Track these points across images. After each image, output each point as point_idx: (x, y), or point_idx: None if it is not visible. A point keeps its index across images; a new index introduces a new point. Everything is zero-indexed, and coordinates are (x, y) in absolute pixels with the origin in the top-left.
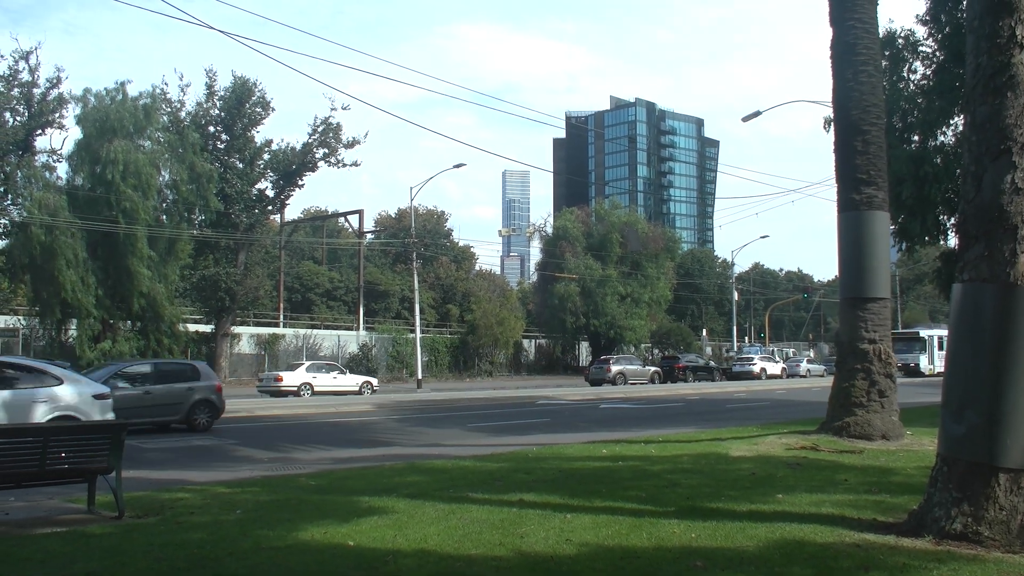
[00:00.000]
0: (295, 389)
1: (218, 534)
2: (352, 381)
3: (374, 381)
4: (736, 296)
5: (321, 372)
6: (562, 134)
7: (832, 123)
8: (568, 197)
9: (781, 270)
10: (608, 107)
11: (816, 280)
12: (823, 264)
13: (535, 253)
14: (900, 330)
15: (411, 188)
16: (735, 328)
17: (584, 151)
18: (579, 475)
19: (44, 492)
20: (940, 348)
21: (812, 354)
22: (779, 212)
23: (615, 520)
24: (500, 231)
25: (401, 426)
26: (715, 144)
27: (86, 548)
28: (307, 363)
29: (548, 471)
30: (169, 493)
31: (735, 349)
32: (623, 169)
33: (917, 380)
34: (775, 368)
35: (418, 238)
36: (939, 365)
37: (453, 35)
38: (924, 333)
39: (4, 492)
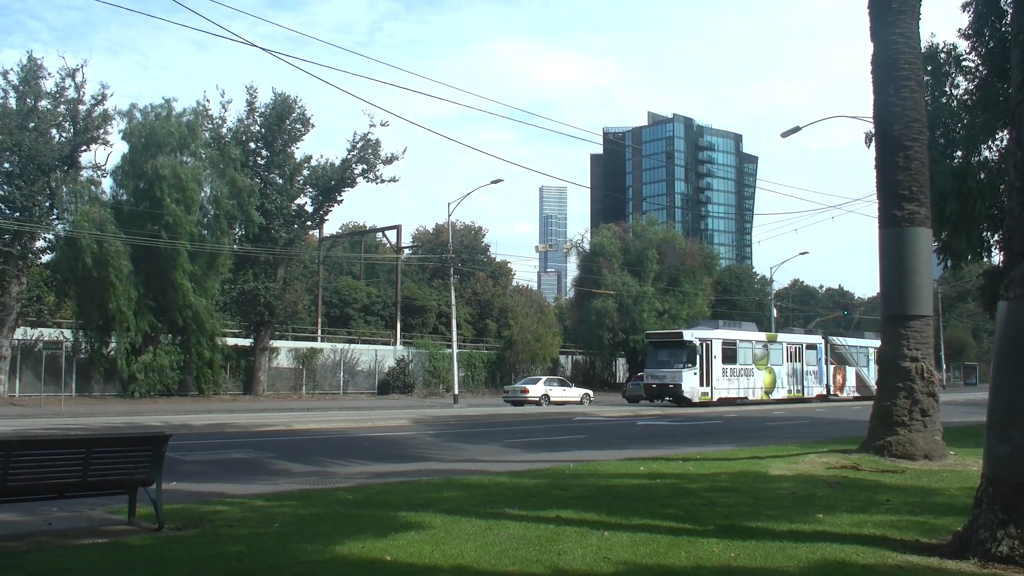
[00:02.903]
0: (537, 399)
1: (256, 547)
2: (576, 393)
3: (591, 393)
4: (775, 313)
5: (554, 385)
6: (599, 150)
7: (873, 138)
8: (605, 213)
9: (821, 287)
10: (646, 123)
11: (857, 297)
12: (864, 281)
13: (572, 269)
14: (656, 331)
15: (449, 203)
16: None
17: (621, 167)
18: (616, 492)
19: (86, 503)
20: (728, 360)
21: None
22: (819, 228)
23: (653, 538)
24: (537, 247)
25: (438, 441)
26: (754, 160)
27: (126, 559)
28: (544, 377)
29: (585, 488)
30: (208, 506)
31: None
32: (660, 185)
33: (676, 412)
34: None
35: (455, 253)
36: (722, 386)
37: (488, 52)
38: (693, 336)
39: (47, 502)
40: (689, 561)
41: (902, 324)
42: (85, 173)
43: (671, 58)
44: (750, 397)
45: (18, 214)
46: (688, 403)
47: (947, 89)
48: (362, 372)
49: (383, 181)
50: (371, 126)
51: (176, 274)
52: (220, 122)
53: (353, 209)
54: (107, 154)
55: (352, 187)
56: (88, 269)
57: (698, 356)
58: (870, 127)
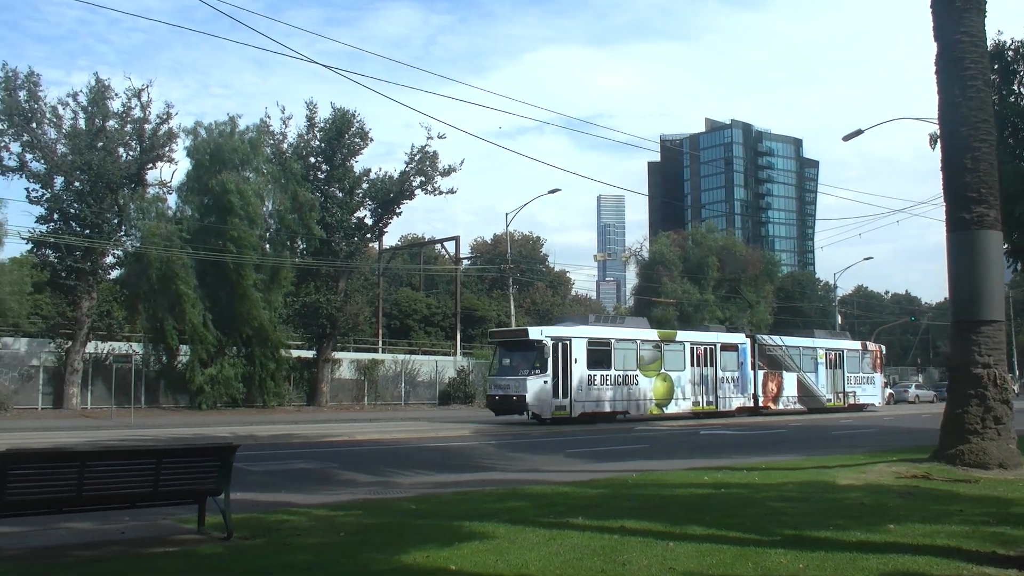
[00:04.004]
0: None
1: (323, 556)
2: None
3: None
4: (839, 320)
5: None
6: (657, 158)
7: (938, 140)
8: (664, 221)
9: (886, 292)
10: (703, 129)
11: (924, 302)
12: (931, 286)
13: (631, 277)
14: (501, 328)
15: (507, 214)
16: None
17: (679, 174)
18: (680, 502)
19: (156, 512)
20: (597, 364)
21: (920, 379)
22: (883, 233)
23: (719, 549)
24: (595, 256)
25: (499, 451)
26: (814, 164)
27: (197, 568)
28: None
29: (649, 498)
30: (274, 515)
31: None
32: (719, 192)
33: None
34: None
35: (514, 264)
36: (586, 397)
37: (543, 63)
38: (543, 334)
39: (120, 511)
40: (756, 572)
41: (973, 330)
42: (152, 190)
43: (728, 65)
44: (633, 411)
45: (88, 231)
46: (538, 420)
47: (1016, 88)
48: (423, 383)
49: (441, 193)
50: (428, 138)
51: (241, 287)
52: (281, 138)
53: (412, 221)
54: (172, 171)
55: (411, 199)
56: (156, 284)
57: (549, 360)
58: (935, 128)
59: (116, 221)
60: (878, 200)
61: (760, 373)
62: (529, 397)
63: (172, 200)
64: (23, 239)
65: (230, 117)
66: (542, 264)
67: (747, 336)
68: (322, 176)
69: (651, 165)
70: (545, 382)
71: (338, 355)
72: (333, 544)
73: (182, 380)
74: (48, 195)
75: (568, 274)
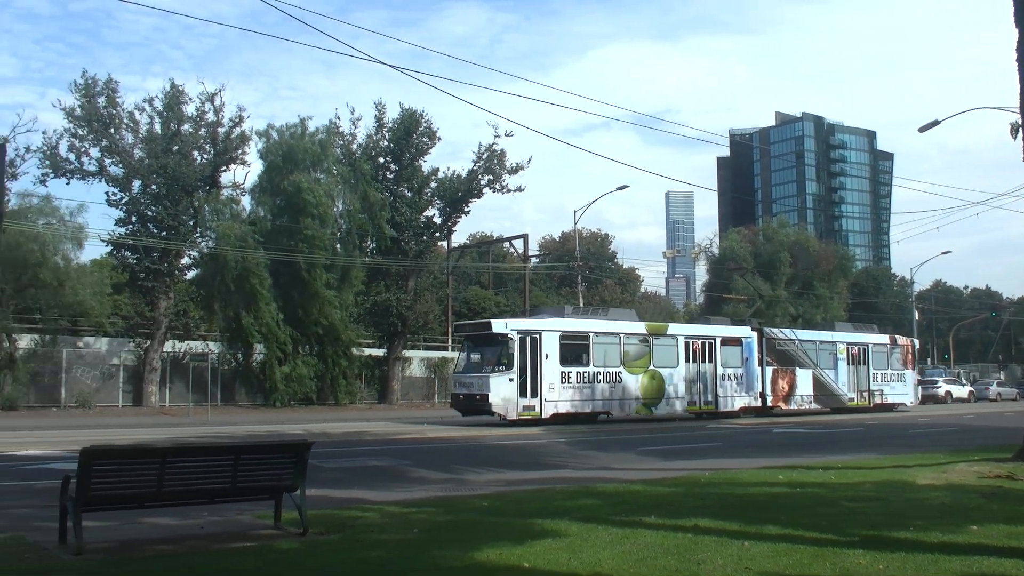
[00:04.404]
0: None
1: (397, 553)
2: None
3: None
4: (917, 316)
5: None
6: (726, 152)
7: (1019, 130)
8: (734, 216)
9: (966, 287)
10: (773, 123)
11: (1005, 297)
12: (1013, 280)
13: (701, 274)
14: (466, 322)
15: (575, 211)
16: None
17: (749, 169)
18: (755, 501)
19: (234, 508)
20: (572, 360)
21: (1002, 376)
22: (962, 226)
23: (795, 549)
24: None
25: (570, 449)
26: (889, 157)
27: (276, 563)
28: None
29: (722, 497)
30: (349, 512)
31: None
32: (791, 186)
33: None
34: (961, 391)
35: (582, 261)
36: (559, 397)
37: (608, 59)
38: (508, 327)
39: (198, 507)
40: (834, 572)
41: None
42: (225, 192)
43: (797, 57)
44: (616, 412)
45: (165, 233)
46: (504, 421)
47: None
48: None
49: (509, 191)
50: (496, 137)
51: (313, 287)
52: (350, 138)
53: (480, 219)
54: (245, 173)
55: (479, 198)
56: (231, 284)
57: (516, 355)
58: (1015, 117)
59: (191, 223)
60: (956, 192)
61: (769, 370)
62: (492, 396)
63: (245, 201)
64: (103, 241)
65: (301, 119)
66: (611, 261)
67: (753, 329)
68: (391, 176)
69: (720, 160)
70: (511, 380)
71: (408, 353)
72: (407, 541)
73: (257, 378)
74: (126, 198)
75: (637, 271)
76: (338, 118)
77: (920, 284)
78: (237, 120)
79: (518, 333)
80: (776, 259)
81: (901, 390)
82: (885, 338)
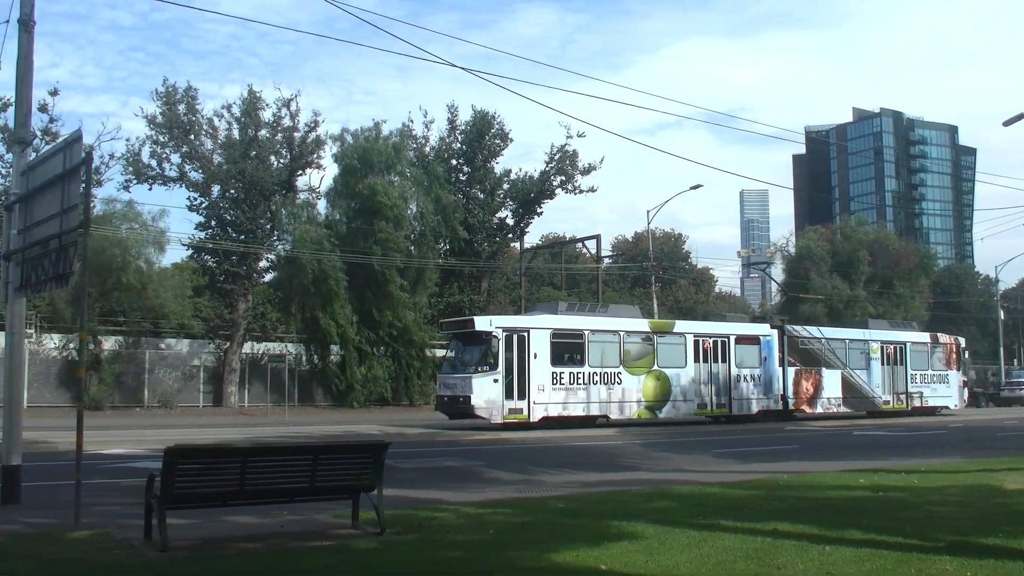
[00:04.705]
0: None
1: (474, 553)
2: None
3: None
4: (1002, 315)
5: None
6: (801, 150)
7: None
8: (810, 215)
9: None
10: (850, 119)
11: None
12: None
13: (777, 273)
14: (452, 319)
15: (648, 211)
16: (1002, 350)
17: (826, 166)
18: (835, 505)
19: (312, 507)
20: (564, 360)
21: None
22: None
23: (878, 554)
24: (739, 252)
25: (645, 451)
26: (971, 152)
27: (355, 562)
28: None
29: (801, 500)
30: (425, 512)
31: (1003, 372)
32: (869, 183)
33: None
34: None
35: (656, 261)
36: (550, 399)
37: (681, 57)
38: (493, 325)
39: (278, 506)
40: None
41: None
42: (301, 196)
43: (875, 51)
44: (615, 415)
45: (243, 236)
46: (488, 425)
47: None
48: None
49: (581, 192)
50: (568, 137)
51: (388, 289)
52: (423, 141)
53: (553, 220)
54: (320, 177)
55: (551, 199)
56: (307, 286)
57: (501, 355)
58: None
59: (269, 226)
60: None
61: (791, 370)
62: (475, 398)
63: (321, 205)
64: (183, 245)
65: (375, 123)
66: (684, 261)
67: (773, 327)
68: (464, 178)
69: (796, 158)
70: (495, 380)
71: None
72: (483, 541)
73: (334, 379)
74: (206, 203)
75: (711, 271)
76: (411, 121)
77: (1005, 282)
78: (312, 125)
79: (503, 331)
80: (854, 258)
81: (944, 392)
82: (925, 336)
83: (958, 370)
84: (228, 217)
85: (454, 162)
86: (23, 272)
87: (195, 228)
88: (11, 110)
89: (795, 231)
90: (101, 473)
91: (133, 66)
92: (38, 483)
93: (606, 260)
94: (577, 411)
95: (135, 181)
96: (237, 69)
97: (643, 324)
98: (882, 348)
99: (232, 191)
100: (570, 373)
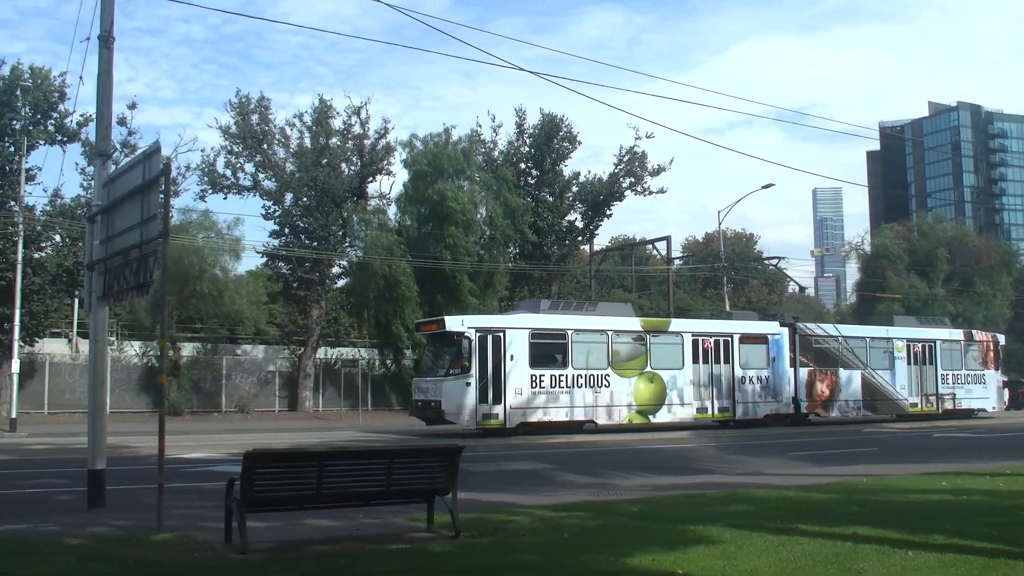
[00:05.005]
0: None
1: (549, 556)
2: None
3: None
4: None
5: None
6: (876, 146)
7: None
8: (886, 212)
9: None
10: (926, 114)
11: None
12: None
13: (852, 273)
14: (425, 319)
15: (718, 212)
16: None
17: (901, 162)
18: (916, 509)
19: (387, 510)
20: (544, 362)
21: None
22: None
23: (963, 560)
24: (812, 251)
25: (719, 453)
26: None
27: (431, 565)
28: None
29: (881, 503)
30: (499, 515)
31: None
32: (946, 179)
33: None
34: None
35: (727, 262)
36: (529, 403)
37: (749, 55)
38: (465, 325)
39: (354, 509)
40: None
41: None
42: (372, 202)
43: (950, 44)
44: (603, 420)
45: (316, 243)
46: (462, 432)
47: None
48: None
49: (651, 193)
50: (636, 139)
51: (458, 293)
52: (492, 145)
53: (622, 222)
54: (391, 183)
55: (620, 201)
56: (380, 291)
57: (474, 357)
58: None
59: (340, 233)
60: None
61: (803, 371)
62: (445, 403)
63: (392, 211)
64: (258, 253)
65: (445, 128)
66: (756, 262)
67: (783, 325)
68: (532, 181)
69: (870, 154)
70: (468, 384)
71: None
72: (558, 544)
73: (407, 383)
74: (279, 211)
75: (784, 271)
76: (479, 126)
77: None
78: (382, 132)
79: (477, 332)
80: (932, 256)
81: (979, 393)
82: (959, 333)
83: (996, 369)
84: (301, 224)
85: (522, 166)
86: (105, 281)
87: (269, 236)
88: (92, 124)
89: (870, 229)
90: (181, 477)
91: (206, 78)
92: (122, 486)
93: (676, 262)
94: (560, 416)
95: (211, 191)
96: (307, 78)
97: (634, 323)
98: (908, 346)
99: (304, 199)
100: (552, 375)
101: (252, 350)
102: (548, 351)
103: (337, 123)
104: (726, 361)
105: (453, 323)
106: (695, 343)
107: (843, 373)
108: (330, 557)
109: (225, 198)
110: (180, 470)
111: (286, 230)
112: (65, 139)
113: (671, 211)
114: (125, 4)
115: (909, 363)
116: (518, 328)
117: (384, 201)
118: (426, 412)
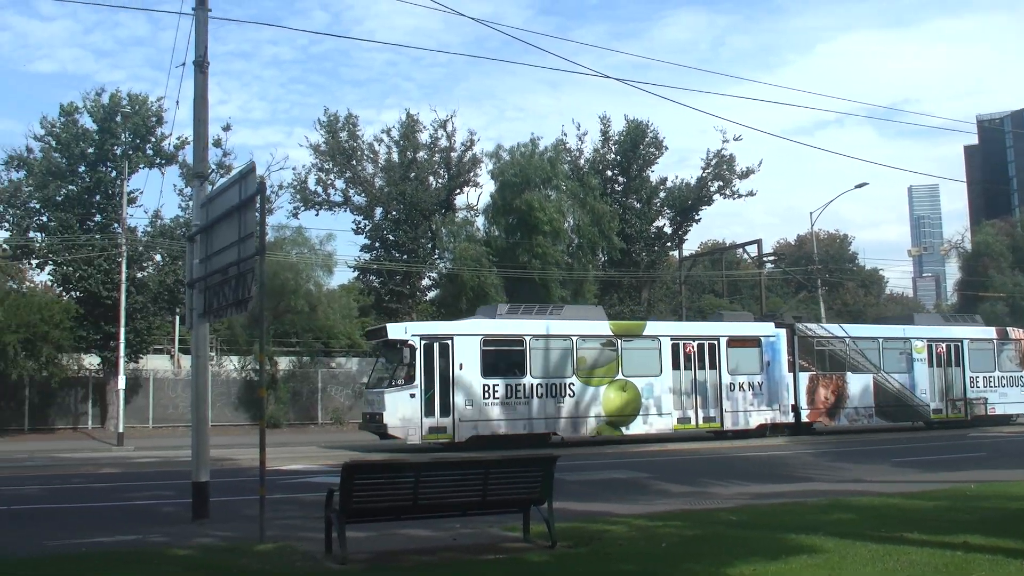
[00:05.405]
0: None
1: (646, 567)
2: None
3: None
4: None
5: None
6: (974, 140)
7: None
8: (986, 208)
9: None
10: None
11: None
12: None
13: (952, 272)
14: (372, 326)
15: (810, 213)
16: None
17: (1002, 156)
18: None
19: (483, 520)
20: (499, 371)
21: None
22: None
23: None
24: (909, 251)
25: (817, 460)
26: None
27: (529, 575)
28: None
29: (992, 511)
30: (595, 524)
31: None
32: None
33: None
34: None
35: (821, 264)
36: (479, 415)
37: (837, 52)
38: (408, 332)
39: (450, 519)
40: None
41: None
42: (460, 214)
43: None
44: (567, 432)
45: (405, 256)
46: (407, 447)
47: None
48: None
49: (740, 196)
50: (724, 141)
51: (548, 302)
52: (577, 154)
53: (711, 227)
54: (478, 195)
55: (709, 205)
56: (470, 302)
57: (419, 366)
58: None
59: (430, 245)
60: None
61: (804, 376)
62: (387, 416)
63: (479, 222)
64: (349, 267)
65: (531, 139)
66: (851, 263)
67: (779, 326)
68: (619, 188)
69: (968, 149)
70: (412, 396)
71: None
72: (655, 554)
73: None
74: (369, 225)
75: (881, 272)
76: (564, 135)
77: None
78: (468, 144)
79: (421, 340)
80: None
81: (1016, 397)
82: (990, 331)
83: None
84: (391, 238)
85: (609, 173)
86: (206, 299)
87: (360, 250)
88: (189, 147)
89: (970, 226)
90: (281, 488)
91: (295, 97)
92: (225, 498)
93: (768, 265)
94: (517, 428)
95: (303, 208)
96: (393, 94)
97: (603, 327)
98: (929, 347)
99: (394, 212)
100: (507, 385)
101: (346, 363)
102: (503, 359)
103: (424, 137)
104: (712, 367)
105: (396, 331)
106: (675, 347)
107: (851, 377)
108: (428, 567)
109: (317, 214)
110: (280, 481)
111: (376, 244)
112: (163, 162)
113: (760, 213)
114: (218, 29)
115: (931, 365)
116: (468, 335)
117: (472, 212)
118: (370, 425)
